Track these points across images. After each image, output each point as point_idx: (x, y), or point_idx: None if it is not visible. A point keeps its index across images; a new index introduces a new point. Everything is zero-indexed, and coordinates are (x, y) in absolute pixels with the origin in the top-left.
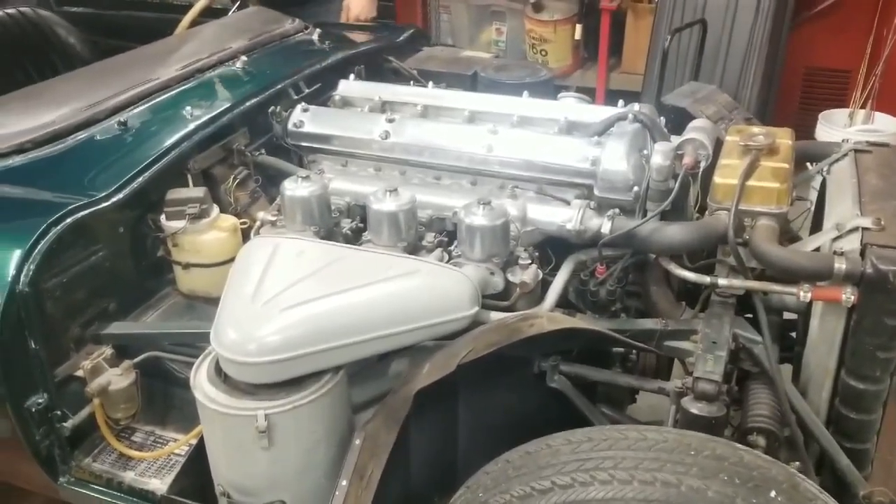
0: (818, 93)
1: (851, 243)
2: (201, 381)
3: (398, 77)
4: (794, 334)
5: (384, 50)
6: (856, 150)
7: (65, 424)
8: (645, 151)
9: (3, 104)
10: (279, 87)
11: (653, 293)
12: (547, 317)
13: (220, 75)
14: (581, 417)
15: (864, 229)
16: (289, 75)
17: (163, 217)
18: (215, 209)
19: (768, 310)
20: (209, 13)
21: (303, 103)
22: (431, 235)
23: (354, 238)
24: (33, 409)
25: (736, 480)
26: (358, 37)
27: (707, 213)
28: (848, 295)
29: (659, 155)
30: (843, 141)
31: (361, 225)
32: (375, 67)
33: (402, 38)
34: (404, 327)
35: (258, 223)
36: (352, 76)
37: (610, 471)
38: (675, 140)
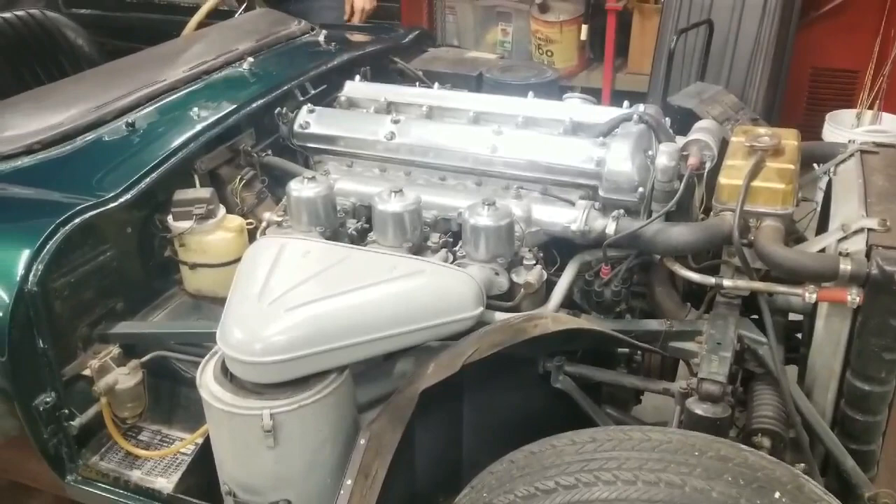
0: (825, 93)
1: (857, 244)
2: (207, 381)
3: (404, 78)
4: (799, 335)
5: (390, 51)
6: (862, 151)
7: (72, 423)
8: (650, 152)
9: (11, 105)
10: (285, 88)
11: (658, 294)
12: (551, 317)
13: (227, 77)
14: (586, 418)
15: (870, 230)
16: (295, 77)
17: (170, 217)
18: (222, 210)
19: (773, 311)
20: (216, 15)
21: (309, 104)
22: (436, 236)
23: (360, 238)
24: (41, 408)
25: (740, 481)
26: (363, 38)
27: (712, 213)
28: (853, 296)
29: (664, 156)
30: (849, 142)
31: (367, 225)
32: (381, 68)
33: (407, 39)
34: (409, 327)
35: (264, 224)
36: (357, 77)
37: (614, 471)
38: (681, 141)
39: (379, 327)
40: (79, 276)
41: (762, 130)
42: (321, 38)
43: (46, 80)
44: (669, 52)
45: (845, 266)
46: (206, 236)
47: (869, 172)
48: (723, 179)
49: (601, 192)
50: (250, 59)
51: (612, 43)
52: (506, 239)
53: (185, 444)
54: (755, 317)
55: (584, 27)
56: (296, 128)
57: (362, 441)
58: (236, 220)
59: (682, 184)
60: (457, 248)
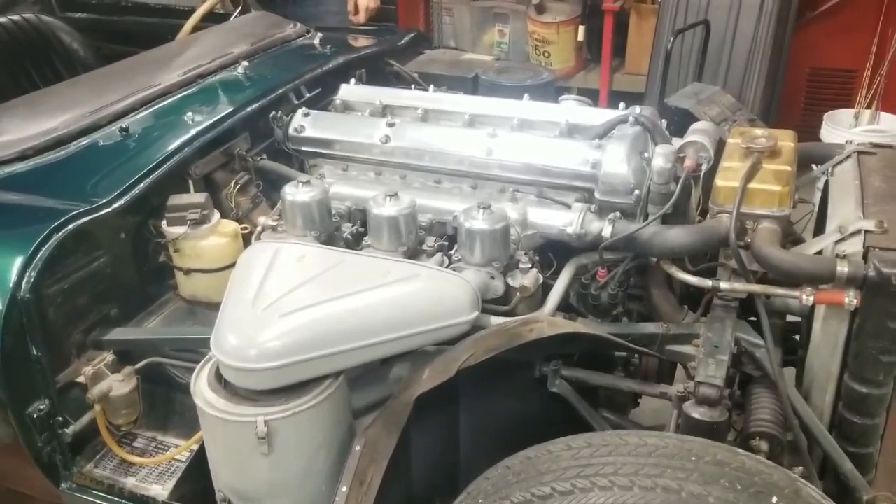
0: (823, 93)
1: (854, 246)
2: (201, 387)
3: (399, 80)
4: (797, 337)
5: (385, 54)
6: (859, 152)
7: (66, 431)
8: (646, 154)
9: (5, 110)
10: (280, 91)
11: (654, 297)
12: (547, 321)
13: (222, 80)
14: (583, 422)
15: (867, 232)
16: (290, 80)
17: (164, 223)
18: (216, 215)
19: (771, 313)
20: (211, 18)
21: (304, 108)
22: (432, 240)
23: (355, 242)
24: (35, 416)
25: (737, 486)
26: (359, 41)
27: (708, 215)
28: (850, 298)
29: (660, 158)
30: (846, 142)
31: (362, 229)
32: (377, 71)
33: (403, 41)
34: (404, 332)
35: (259, 228)
36: (353, 80)
37: (610, 477)
38: (677, 142)
39: (374, 332)
40: (72, 282)
41: (758, 132)
42: (316, 41)
43: (42, 85)
44: (666, 52)
45: (842, 268)
46: (201, 241)
47: (866, 173)
48: (719, 181)
49: (597, 195)
50: (245, 63)
51: (610, 43)
52: (501, 242)
53: (180, 450)
54: (753, 319)
55: (581, 28)
56: (291, 131)
57: (357, 447)
58: (231, 225)
59: (679, 186)
60: (452, 251)
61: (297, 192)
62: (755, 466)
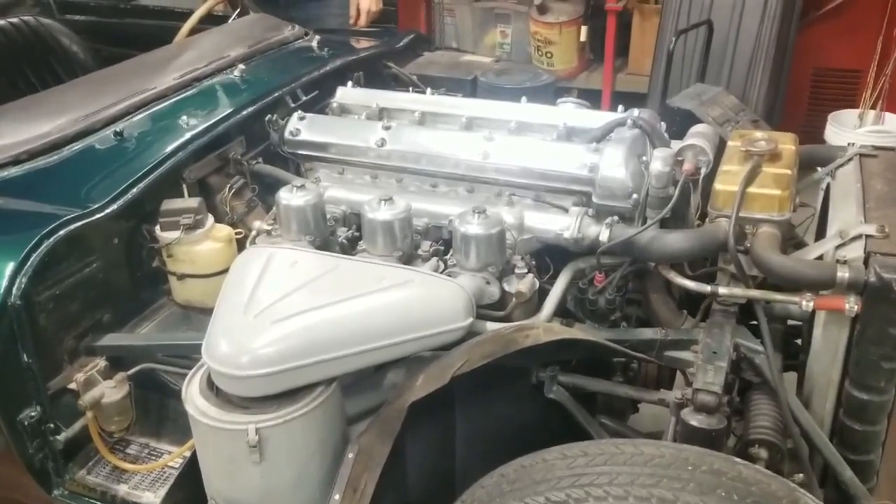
0: (827, 93)
1: (855, 251)
2: (193, 395)
3: (398, 83)
4: (799, 341)
5: (384, 56)
6: (861, 155)
7: (58, 437)
8: (644, 157)
9: (0, 114)
10: (276, 95)
11: (653, 301)
12: (543, 327)
13: (218, 84)
14: (580, 428)
15: (868, 237)
16: (286, 83)
17: (157, 227)
18: (210, 219)
19: (772, 318)
20: (210, 21)
21: (299, 111)
22: (427, 244)
23: (350, 247)
24: (26, 423)
25: (734, 496)
26: (357, 43)
27: (707, 220)
28: (851, 304)
29: (658, 161)
30: (848, 145)
31: (357, 234)
32: (375, 73)
33: (402, 43)
34: (397, 339)
35: (254, 233)
36: (350, 83)
37: (605, 487)
38: (678, 145)
39: (367, 339)
40: (64, 288)
41: (759, 135)
42: (314, 44)
43: (41, 88)
44: (668, 53)
45: (843, 273)
46: (194, 246)
47: (868, 177)
48: (718, 185)
49: (594, 199)
50: (241, 66)
51: (612, 44)
52: (497, 247)
53: (173, 457)
54: (754, 323)
55: (584, 28)
56: (286, 135)
57: (350, 455)
58: (225, 230)
59: (677, 190)
60: (448, 256)
61: (291, 197)
62: (753, 476)
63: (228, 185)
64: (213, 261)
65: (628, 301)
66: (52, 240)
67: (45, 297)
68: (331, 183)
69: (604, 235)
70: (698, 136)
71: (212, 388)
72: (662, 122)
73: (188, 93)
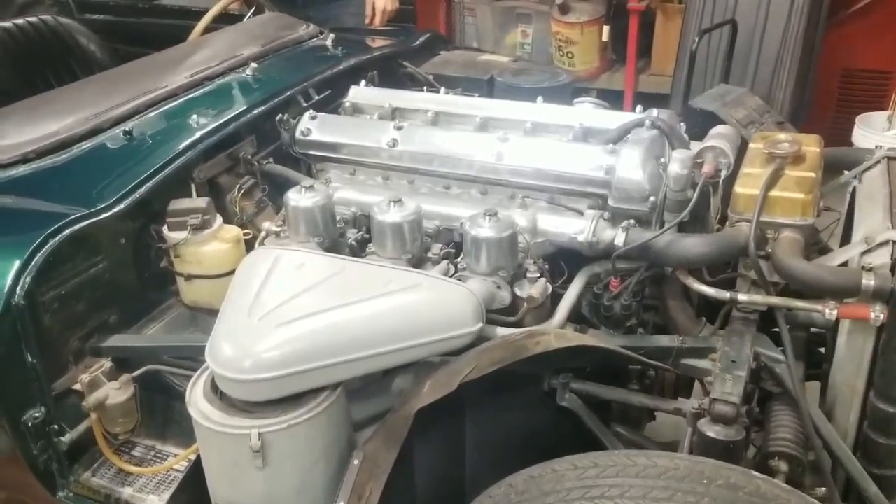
0: (856, 95)
1: (881, 258)
2: (196, 398)
3: (413, 82)
4: (823, 349)
5: (399, 55)
6: (889, 158)
7: (62, 439)
8: (662, 159)
9: (8, 113)
10: (288, 94)
11: (671, 308)
12: (554, 333)
13: (229, 83)
14: (593, 438)
15: (895, 243)
16: (298, 82)
17: (165, 228)
18: (218, 219)
19: (794, 325)
20: (225, 19)
21: (311, 111)
22: (438, 247)
23: (360, 249)
24: (30, 424)
25: None
26: (373, 42)
27: (727, 224)
28: (877, 313)
29: (677, 163)
30: (875, 147)
31: (367, 236)
32: (390, 73)
33: (418, 42)
34: (404, 344)
35: (262, 234)
36: (363, 82)
37: (616, 499)
38: (698, 147)
39: (373, 344)
40: (69, 288)
41: (782, 136)
42: (329, 42)
43: (57, 86)
44: (691, 53)
45: (868, 281)
46: (202, 247)
47: (895, 180)
48: (739, 188)
49: (610, 202)
50: (253, 65)
51: (635, 44)
52: (508, 251)
53: (178, 460)
54: (776, 330)
55: (606, 28)
56: (297, 135)
57: (356, 461)
58: (233, 231)
59: (696, 193)
60: (458, 259)
61: (300, 198)
62: (771, 491)
63: (238, 186)
64: (220, 262)
65: (645, 307)
66: (57, 239)
67: (50, 297)
68: (341, 184)
69: (619, 239)
70: (719, 138)
71: (216, 392)
72: (682, 123)
73: (199, 92)
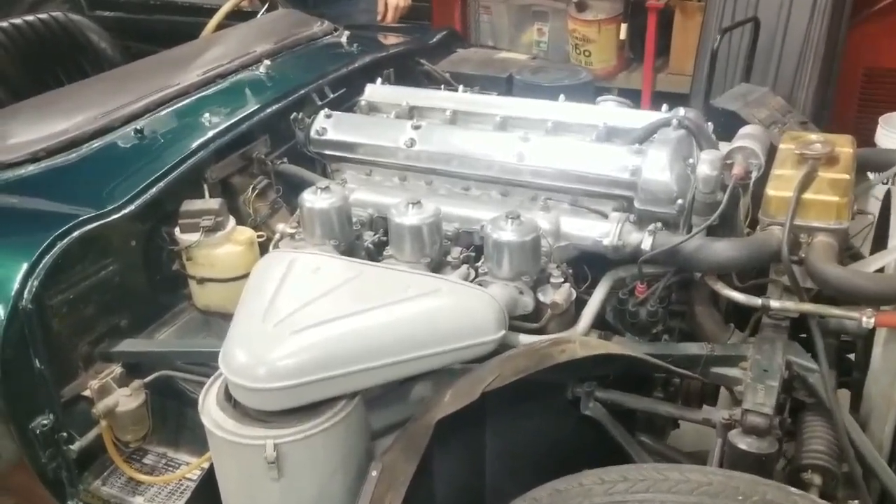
0: (879, 95)
1: None
2: (210, 406)
3: (430, 80)
4: (852, 356)
5: (415, 52)
6: None
7: (71, 447)
8: (690, 160)
9: (17, 111)
10: (302, 92)
11: (698, 314)
12: (580, 341)
13: (242, 80)
14: (618, 447)
15: None
16: (313, 80)
17: (177, 229)
18: (231, 221)
19: (825, 332)
20: (237, 16)
21: (326, 109)
22: (457, 250)
23: (377, 252)
24: (38, 431)
25: None
26: (388, 39)
27: (759, 228)
28: None
29: (706, 164)
30: None
31: (384, 238)
32: (406, 70)
33: (434, 39)
34: (424, 352)
35: (277, 236)
36: (379, 80)
37: None
38: (724, 147)
39: (392, 352)
40: (78, 291)
41: (813, 137)
42: (343, 40)
43: (67, 84)
44: (712, 52)
45: None
46: (214, 250)
47: None
48: (770, 191)
49: (637, 204)
50: (267, 63)
51: (653, 42)
52: (531, 255)
53: (191, 469)
54: (803, 335)
55: (624, 26)
56: (312, 134)
57: (374, 472)
58: (246, 233)
59: (726, 195)
60: (479, 264)
61: (315, 199)
62: None
63: (252, 186)
64: (233, 264)
65: (671, 313)
66: (65, 241)
67: (59, 301)
68: (357, 184)
69: (646, 243)
70: (748, 138)
71: (229, 400)
72: (709, 123)
73: (211, 90)
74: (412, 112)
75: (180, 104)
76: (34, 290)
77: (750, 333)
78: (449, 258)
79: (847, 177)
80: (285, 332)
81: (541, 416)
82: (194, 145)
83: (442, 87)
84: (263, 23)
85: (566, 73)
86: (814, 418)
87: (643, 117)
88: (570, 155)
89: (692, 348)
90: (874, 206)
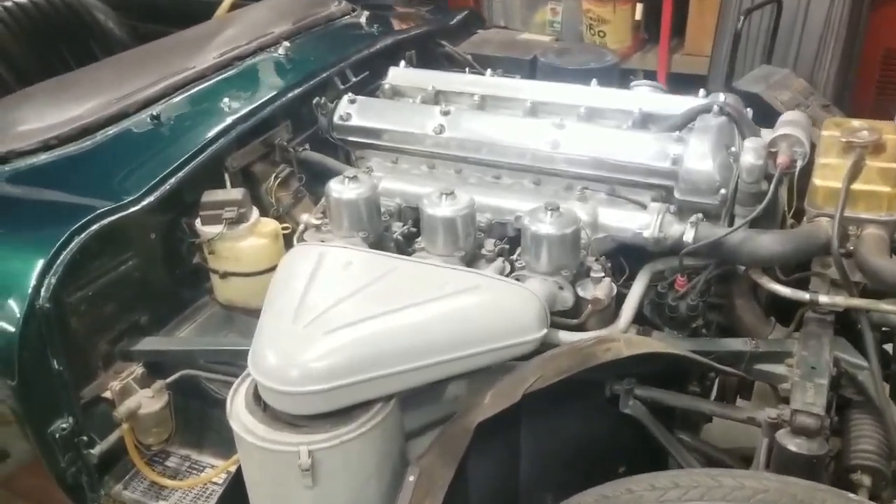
0: None
1: None
2: (238, 410)
3: (451, 63)
4: (889, 347)
5: (436, 34)
6: None
7: (92, 451)
8: (733, 149)
9: (28, 97)
10: (324, 75)
11: (738, 307)
12: (624, 340)
13: (261, 63)
14: (654, 445)
15: None
16: (335, 63)
17: (198, 221)
18: (255, 213)
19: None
20: None
21: (350, 94)
22: (491, 242)
23: (406, 243)
24: (57, 435)
25: None
26: (408, 20)
27: (805, 219)
28: None
29: (750, 153)
30: None
31: (414, 229)
32: (427, 53)
33: (455, 20)
34: (464, 352)
35: (301, 227)
36: (402, 63)
37: None
38: (765, 135)
39: (430, 353)
40: (97, 288)
41: (857, 123)
42: (363, 20)
43: (75, 66)
44: (735, 33)
45: None
46: (238, 242)
47: None
48: (818, 181)
49: (677, 194)
50: (286, 44)
51: (669, 22)
52: (571, 248)
53: (217, 472)
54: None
55: (639, 6)
56: (336, 120)
57: (411, 478)
58: (271, 225)
59: (772, 185)
60: (514, 256)
61: (343, 189)
62: None
63: (274, 175)
64: (258, 258)
65: (709, 306)
66: (83, 236)
67: (77, 299)
68: (384, 173)
69: (688, 235)
70: (791, 125)
71: (258, 402)
72: (749, 109)
73: (230, 73)
74: (438, 97)
75: (198, 88)
76: (52, 287)
77: (794, 329)
78: (483, 251)
79: None
80: (318, 333)
81: (577, 415)
82: (214, 132)
83: (466, 70)
84: (280, 2)
85: (592, 56)
86: (861, 416)
87: (680, 103)
88: (608, 142)
89: (736, 344)
90: None
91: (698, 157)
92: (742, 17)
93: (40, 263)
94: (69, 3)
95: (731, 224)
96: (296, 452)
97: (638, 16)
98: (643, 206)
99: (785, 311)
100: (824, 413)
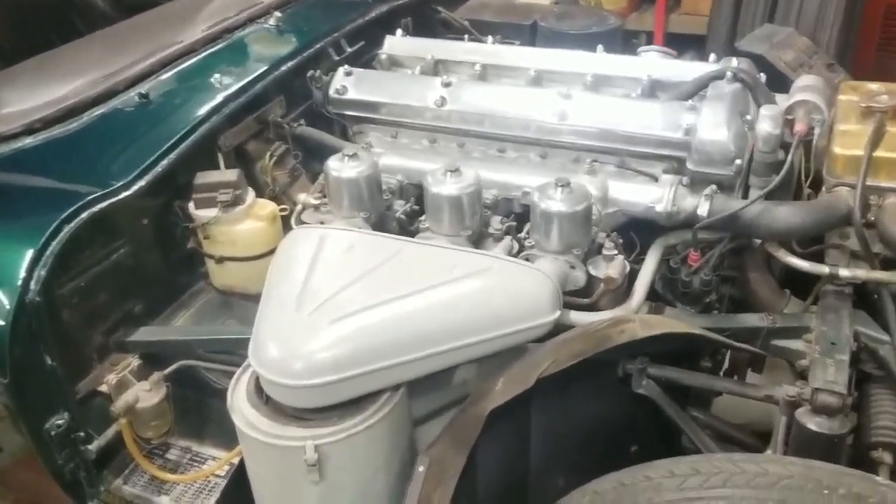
0: None
1: None
2: (240, 403)
3: (449, 30)
4: None
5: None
6: None
7: (89, 447)
8: (748, 117)
9: (10, 77)
10: (318, 46)
11: (752, 280)
12: (639, 320)
13: (252, 35)
14: (666, 424)
15: None
16: (328, 33)
17: (191, 204)
18: (251, 194)
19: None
20: None
21: (345, 65)
22: (498, 220)
23: (408, 222)
24: (53, 432)
25: None
26: None
27: (823, 189)
28: None
29: (767, 121)
30: None
31: (416, 207)
32: (423, 19)
33: None
34: (475, 338)
35: (299, 207)
36: (399, 31)
37: None
38: (780, 101)
39: (439, 340)
40: (89, 278)
41: (874, 87)
42: None
43: (58, 43)
44: None
45: None
46: (234, 226)
47: None
48: (837, 148)
49: (690, 165)
50: (277, 14)
51: None
52: (582, 226)
53: (219, 465)
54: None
55: None
56: (331, 93)
57: (421, 468)
58: (268, 207)
59: (790, 155)
60: (523, 234)
61: (342, 167)
62: None
63: (269, 153)
64: (255, 242)
65: (721, 279)
66: (73, 225)
67: (68, 291)
68: (383, 148)
69: (703, 209)
70: (809, 91)
71: (260, 395)
72: (762, 74)
73: (219, 46)
74: (437, 67)
75: (187, 64)
76: (42, 279)
77: (811, 302)
78: (490, 229)
79: None
80: (322, 322)
81: (588, 394)
82: (206, 110)
83: (465, 37)
84: None
85: (594, 20)
86: (881, 391)
87: (691, 69)
88: (617, 113)
89: (752, 319)
90: None
91: (712, 126)
92: None
93: (29, 255)
94: None
95: (745, 195)
96: (301, 447)
97: None
98: (654, 179)
99: (799, 283)
100: (846, 391)
